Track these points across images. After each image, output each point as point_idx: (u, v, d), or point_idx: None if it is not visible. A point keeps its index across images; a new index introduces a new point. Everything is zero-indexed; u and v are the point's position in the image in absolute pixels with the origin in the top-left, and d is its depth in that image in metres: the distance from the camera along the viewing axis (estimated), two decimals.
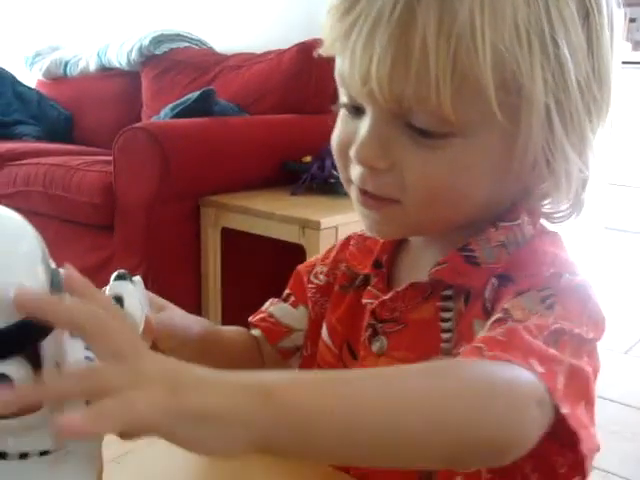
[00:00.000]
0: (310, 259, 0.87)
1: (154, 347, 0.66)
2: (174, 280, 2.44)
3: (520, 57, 0.56)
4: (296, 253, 2.24)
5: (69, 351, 0.45)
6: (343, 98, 0.66)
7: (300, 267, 0.86)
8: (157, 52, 3.38)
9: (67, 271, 0.45)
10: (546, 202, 0.68)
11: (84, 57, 3.74)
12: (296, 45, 2.90)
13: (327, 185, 2.50)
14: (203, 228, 2.45)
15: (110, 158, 2.45)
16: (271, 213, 2.26)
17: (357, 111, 0.64)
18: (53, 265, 0.47)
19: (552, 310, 0.57)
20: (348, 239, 0.82)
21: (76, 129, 3.70)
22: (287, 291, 0.86)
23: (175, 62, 3.33)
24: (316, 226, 2.14)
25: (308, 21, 3.18)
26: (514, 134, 0.59)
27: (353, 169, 0.65)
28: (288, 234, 2.22)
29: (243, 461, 0.67)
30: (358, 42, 0.58)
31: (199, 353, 0.74)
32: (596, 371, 0.58)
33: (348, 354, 0.75)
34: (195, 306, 2.50)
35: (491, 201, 0.65)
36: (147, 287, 2.42)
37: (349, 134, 0.65)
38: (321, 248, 2.12)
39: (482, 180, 0.62)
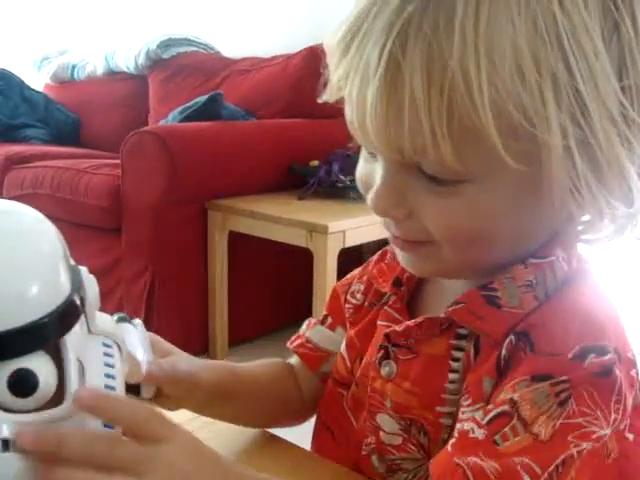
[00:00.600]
0: (347, 276, 0.82)
1: (159, 393, 0.64)
2: (181, 283, 2.44)
3: (527, 101, 0.49)
4: (303, 257, 2.24)
5: (89, 351, 0.47)
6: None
7: (337, 286, 0.81)
8: (165, 56, 3.38)
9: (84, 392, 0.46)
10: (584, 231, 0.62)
11: (91, 61, 3.75)
12: (303, 49, 2.91)
13: (334, 189, 2.50)
14: (210, 231, 2.44)
15: (117, 161, 2.46)
16: (278, 217, 2.26)
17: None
18: (72, 262, 0.47)
19: (564, 407, 0.53)
20: (384, 253, 0.76)
21: (83, 133, 3.71)
22: (324, 312, 0.81)
23: (183, 66, 3.34)
24: (324, 230, 2.13)
25: (315, 26, 3.18)
26: (533, 176, 0.53)
27: None
28: (295, 238, 2.22)
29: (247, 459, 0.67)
30: (352, 94, 0.54)
31: (212, 400, 0.71)
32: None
33: (359, 368, 0.72)
34: (201, 309, 2.50)
35: (521, 240, 0.60)
36: (154, 291, 2.44)
37: (368, 175, 0.61)
38: (329, 252, 2.12)
39: (505, 222, 0.57)
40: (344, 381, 0.74)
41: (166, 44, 3.39)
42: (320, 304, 2.17)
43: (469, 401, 0.58)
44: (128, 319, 0.61)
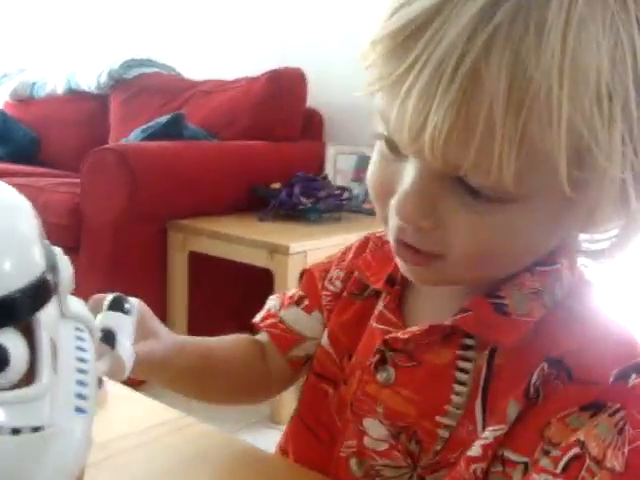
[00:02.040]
0: (325, 259, 0.79)
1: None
2: None
3: (600, 129, 0.47)
4: (264, 278, 2.23)
5: (62, 334, 0.45)
6: (383, 131, 0.57)
7: (313, 268, 0.78)
8: (127, 76, 3.37)
9: None
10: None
11: (52, 80, 3.72)
12: (267, 73, 2.92)
13: (295, 212, 2.51)
14: (170, 252, 2.43)
15: (77, 180, 2.44)
16: (240, 237, 2.26)
17: (397, 149, 0.55)
18: (47, 242, 0.47)
19: (623, 434, 0.52)
20: (366, 240, 0.74)
21: (42, 151, 3.67)
22: (299, 292, 0.78)
23: (145, 87, 3.33)
24: (285, 251, 2.13)
25: (279, 49, 3.21)
26: (579, 201, 0.52)
27: (391, 217, 0.57)
28: (257, 258, 2.22)
29: (228, 470, 0.66)
30: (411, 96, 0.49)
31: (180, 381, 0.72)
32: None
33: (348, 365, 0.70)
34: None
35: (537, 256, 0.59)
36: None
37: (389, 176, 0.57)
38: (290, 273, 2.12)
39: (532, 242, 0.56)
40: (330, 377, 0.71)
41: (128, 64, 3.38)
42: None
43: (492, 421, 0.57)
44: (122, 302, 0.60)
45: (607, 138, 0.48)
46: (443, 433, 0.60)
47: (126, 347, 0.57)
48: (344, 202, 2.63)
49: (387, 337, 0.65)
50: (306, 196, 2.52)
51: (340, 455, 0.67)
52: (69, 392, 0.43)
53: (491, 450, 0.56)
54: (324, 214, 2.54)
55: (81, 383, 0.45)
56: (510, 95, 0.46)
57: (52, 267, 0.44)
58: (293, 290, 0.80)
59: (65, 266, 0.46)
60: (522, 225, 0.53)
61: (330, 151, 2.93)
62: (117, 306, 0.59)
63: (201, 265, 2.46)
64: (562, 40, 0.46)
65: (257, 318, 0.79)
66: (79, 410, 0.43)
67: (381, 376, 0.65)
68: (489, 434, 0.57)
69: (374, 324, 0.68)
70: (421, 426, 0.62)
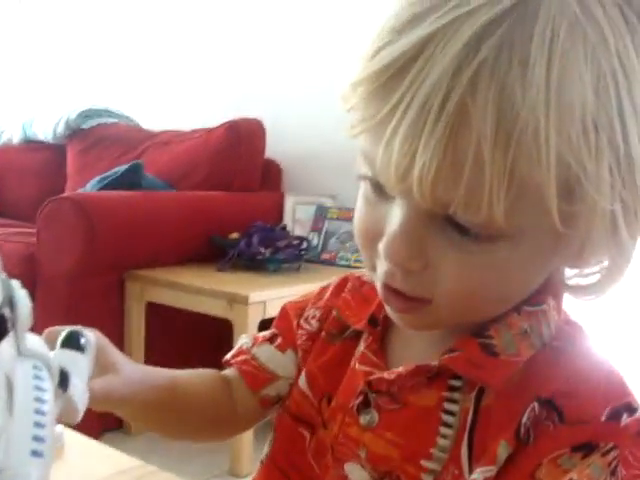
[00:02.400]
0: (300, 297, 0.77)
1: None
2: None
3: (587, 161, 0.47)
4: (223, 329, 2.21)
5: (19, 373, 0.44)
6: (366, 172, 0.56)
7: (288, 306, 0.77)
8: (84, 126, 3.36)
9: None
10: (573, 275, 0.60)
11: (8, 129, 3.70)
12: (224, 123, 2.94)
13: (254, 262, 2.50)
14: (127, 302, 2.40)
15: (32, 230, 2.40)
16: (198, 287, 2.24)
17: (383, 189, 0.55)
18: (4, 275, 0.45)
19: (615, 476, 0.52)
20: (344, 280, 0.73)
21: None
22: (273, 330, 0.76)
23: (102, 137, 3.32)
24: (244, 301, 2.12)
25: (237, 100, 3.23)
26: (570, 236, 0.52)
27: (379, 263, 0.57)
28: (216, 309, 2.20)
29: None
30: (396, 136, 0.48)
31: (141, 416, 0.70)
32: None
33: (327, 408, 0.68)
34: None
35: (525, 296, 0.58)
36: None
37: (375, 221, 0.56)
38: (249, 323, 2.10)
39: (522, 281, 0.56)
40: (308, 420, 0.69)
41: (86, 114, 3.37)
42: None
43: (481, 463, 0.56)
44: (77, 338, 0.56)
45: (595, 170, 0.48)
46: (427, 478, 0.59)
47: (79, 389, 0.53)
48: (303, 252, 2.63)
49: (371, 378, 0.63)
50: (265, 246, 2.52)
51: None
52: (25, 434, 0.41)
53: None
54: (283, 264, 2.53)
55: (38, 425, 0.42)
56: (498, 131, 0.46)
57: (9, 301, 0.43)
58: (263, 333, 0.78)
59: (23, 301, 0.44)
60: (512, 263, 0.53)
61: (289, 201, 2.94)
62: (71, 343, 0.56)
63: (159, 316, 2.43)
64: (546, 74, 0.46)
65: (228, 356, 0.77)
66: (35, 454, 0.41)
67: (364, 419, 0.63)
68: (478, 475, 0.55)
69: (357, 366, 0.66)
70: (405, 471, 0.60)
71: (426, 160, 0.47)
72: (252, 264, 2.50)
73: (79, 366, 0.55)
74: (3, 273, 0.44)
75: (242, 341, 0.78)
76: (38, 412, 0.43)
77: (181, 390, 0.72)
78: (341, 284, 0.73)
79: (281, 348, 0.74)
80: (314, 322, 0.73)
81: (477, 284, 0.53)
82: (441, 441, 0.59)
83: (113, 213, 2.36)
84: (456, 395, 0.59)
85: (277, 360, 0.74)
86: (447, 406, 0.59)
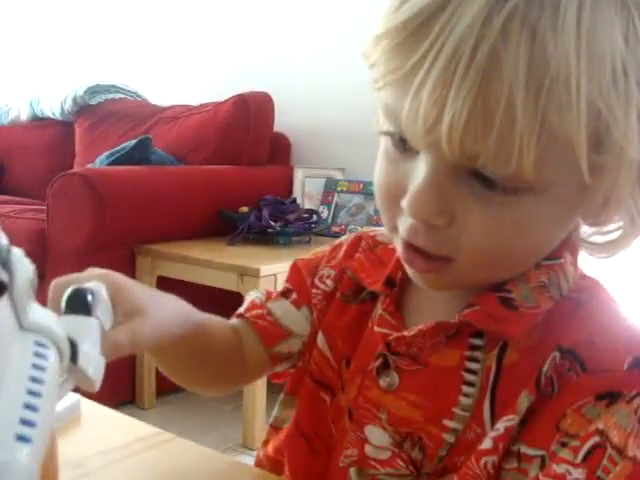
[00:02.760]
0: (311, 255, 0.76)
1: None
2: None
3: (617, 108, 0.47)
4: (234, 302, 2.21)
5: (15, 348, 0.39)
6: (388, 127, 0.55)
7: (300, 263, 0.75)
8: (92, 102, 3.35)
9: None
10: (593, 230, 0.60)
11: (15, 106, 3.69)
12: (233, 97, 2.92)
13: (264, 235, 2.50)
14: (139, 277, 2.40)
15: (42, 207, 2.40)
16: (209, 261, 2.24)
17: (406, 147, 0.54)
18: (5, 241, 0.40)
19: None
20: (358, 239, 0.72)
21: (6, 179, 3.62)
22: (287, 285, 0.75)
23: (110, 113, 3.31)
24: (255, 273, 2.12)
25: (244, 73, 3.21)
26: (595, 188, 0.51)
27: (401, 221, 0.56)
28: (226, 282, 2.20)
29: None
30: (425, 86, 0.48)
31: (159, 357, 0.69)
32: None
33: (346, 371, 0.67)
34: (128, 358, 2.43)
35: (545, 253, 0.58)
36: None
37: (398, 177, 0.55)
38: None
39: (547, 236, 0.56)
40: (328, 384, 0.69)
41: (93, 90, 3.36)
42: None
43: (503, 415, 0.56)
44: (82, 298, 0.51)
45: (624, 117, 0.47)
46: (449, 438, 0.59)
47: (91, 357, 0.49)
48: (313, 225, 2.63)
49: (390, 339, 0.63)
50: (275, 219, 2.51)
51: (339, 466, 0.64)
52: (11, 416, 0.37)
53: (502, 443, 0.55)
54: (293, 237, 2.53)
55: (30, 407, 0.38)
56: (529, 78, 0.45)
57: (4, 264, 0.38)
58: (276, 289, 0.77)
59: (23, 269, 0.40)
60: (537, 218, 0.52)
61: (298, 174, 2.93)
62: (77, 305, 0.51)
63: (170, 290, 2.42)
64: (577, 21, 0.45)
65: (241, 309, 0.75)
66: (21, 439, 0.36)
67: (384, 381, 0.63)
68: (500, 425, 0.56)
69: (375, 328, 0.66)
70: (427, 431, 0.60)
71: (457, 109, 0.46)
72: (262, 237, 2.50)
73: (88, 330, 0.50)
74: (5, 238, 0.41)
75: (253, 295, 0.76)
76: (31, 393, 0.38)
77: (207, 335, 0.70)
78: (354, 243, 0.72)
79: (296, 304, 0.73)
80: (329, 282, 0.72)
81: (501, 241, 0.53)
82: (463, 400, 0.59)
83: (122, 188, 2.35)
84: (478, 354, 0.59)
85: (292, 316, 0.72)
86: (469, 365, 0.59)
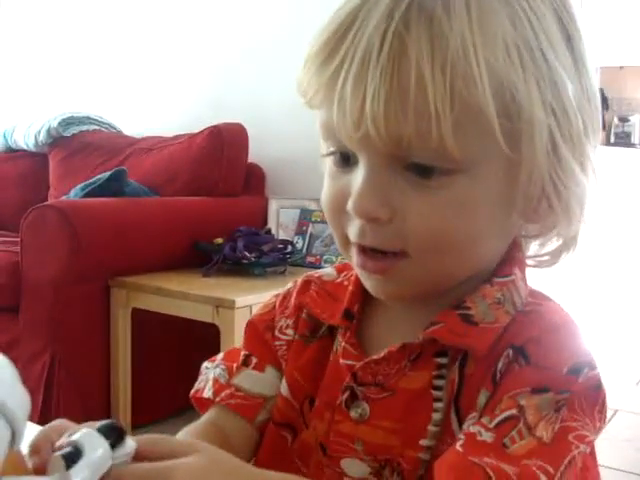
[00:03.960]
0: (261, 309, 0.76)
1: None
2: (82, 364, 2.36)
3: (516, 77, 0.53)
4: (209, 334, 2.21)
5: None
6: (329, 149, 0.62)
7: (255, 320, 0.76)
8: (66, 134, 3.34)
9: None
10: (536, 242, 0.66)
11: None
12: (207, 128, 2.93)
13: (239, 266, 2.50)
14: (113, 309, 2.39)
15: (16, 239, 2.39)
16: (184, 293, 2.24)
17: (346, 162, 0.60)
18: None
19: (559, 413, 0.56)
20: (306, 282, 0.74)
21: None
22: (244, 352, 0.74)
23: (84, 144, 3.30)
24: (231, 305, 2.12)
25: (218, 105, 3.23)
26: (517, 162, 0.56)
27: (350, 226, 0.60)
28: (202, 314, 2.20)
29: None
30: (346, 85, 0.54)
31: None
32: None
33: (308, 410, 0.69)
34: (104, 391, 2.42)
35: (494, 249, 0.63)
36: (54, 372, 2.30)
37: (341, 189, 0.60)
38: (236, 327, 2.10)
39: (487, 219, 0.59)
40: (289, 423, 0.70)
41: (67, 122, 3.35)
42: None
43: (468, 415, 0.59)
44: (121, 435, 0.48)
45: (524, 85, 0.54)
46: (424, 456, 0.61)
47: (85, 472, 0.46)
48: (288, 255, 2.64)
49: (357, 367, 0.64)
50: (250, 250, 2.52)
51: None
52: None
53: None
54: (268, 268, 2.54)
55: None
56: (434, 55, 0.52)
57: None
58: (220, 355, 0.77)
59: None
60: (473, 198, 0.57)
61: (272, 205, 2.94)
62: (110, 432, 0.48)
63: (145, 322, 2.43)
64: (466, 8, 0.53)
65: (207, 394, 0.73)
66: None
67: (355, 412, 0.64)
68: (465, 425, 0.59)
69: (340, 361, 0.67)
70: (404, 455, 0.62)
71: (375, 94, 0.52)
72: (237, 268, 2.51)
73: (97, 455, 0.47)
74: None
75: (210, 373, 0.75)
76: None
77: None
78: (304, 285, 0.74)
79: (259, 368, 0.73)
80: (290, 331, 0.73)
81: (444, 223, 0.57)
82: (435, 415, 0.61)
83: (97, 220, 2.35)
84: (443, 371, 0.62)
85: (259, 382, 0.72)
86: (436, 382, 0.62)
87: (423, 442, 0.61)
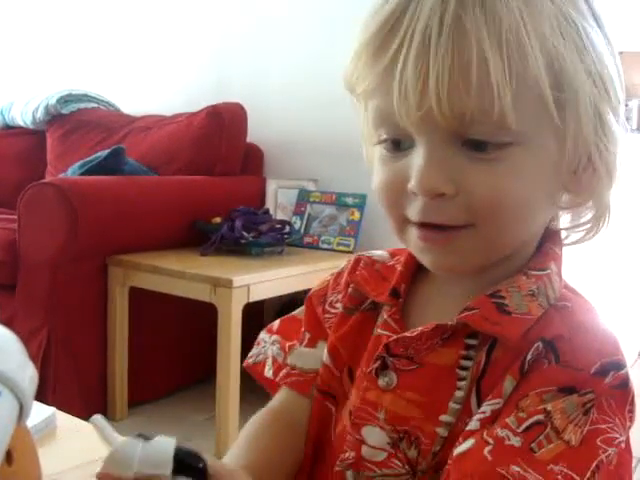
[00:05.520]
0: (320, 284, 0.81)
1: None
2: (79, 342, 2.37)
3: (562, 48, 0.57)
4: (207, 313, 2.21)
5: None
6: (381, 136, 0.63)
7: (312, 295, 0.80)
8: (64, 111, 3.33)
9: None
10: (568, 216, 0.68)
11: None
12: (206, 108, 2.92)
13: (237, 246, 2.50)
14: (110, 287, 2.39)
15: (13, 216, 2.39)
16: (182, 272, 2.24)
17: (397, 147, 0.62)
18: None
19: (588, 416, 0.57)
20: (357, 260, 0.77)
21: None
22: (302, 328, 0.79)
23: (82, 122, 3.29)
24: (228, 284, 2.12)
25: (218, 84, 3.22)
26: (565, 132, 0.59)
27: (410, 207, 0.62)
28: (199, 293, 2.20)
29: None
30: (407, 66, 0.56)
31: None
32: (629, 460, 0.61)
33: (348, 379, 0.72)
34: (101, 369, 2.43)
35: (542, 220, 0.65)
36: (50, 350, 2.31)
37: (398, 172, 0.62)
38: (233, 307, 2.11)
39: (541, 189, 0.62)
40: (331, 391, 0.73)
41: (66, 99, 3.34)
42: (225, 360, 2.14)
43: (489, 398, 0.61)
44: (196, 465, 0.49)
45: (570, 56, 0.57)
46: (442, 432, 0.63)
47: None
48: (286, 236, 2.63)
49: (390, 340, 0.67)
50: (247, 230, 2.52)
51: (335, 470, 0.67)
52: None
53: (489, 424, 0.59)
54: (266, 248, 2.53)
55: None
56: (489, 32, 0.54)
57: None
58: (276, 325, 0.83)
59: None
60: (528, 167, 0.59)
61: (271, 186, 2.94)
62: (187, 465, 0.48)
63: (142, 301, 2.43)
64: None
65: (267, 373, 0.79)
66: None
67: (382, 380, 0.67)
68: (486, 408, 0.60)
69: (379, 330, 0.70)
70: (423, 429, 0.63)
71: (439, 71, 0.55)
72: (235, 248, 2.50)
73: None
74: None
75: (269, 350, 0.81)
76: None
77: (278, 464, 0.73)
78: (355, 264, 0.77)
79: (311, 344, 0.78)
80: (338, 305, 0.76)
81: (507, 191, 0.59)
82: (457, 393, 0.63)
83: (95, 198, 2.35)
84: (471, 352, 0.64)
85: (312, 357, 0.76)
86: (463, 362, 0.64)
87: (443, 418, 0.63)
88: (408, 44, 0.56)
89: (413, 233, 0.63)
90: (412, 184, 0.59)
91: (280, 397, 0.78)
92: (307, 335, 0.78)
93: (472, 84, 0.55)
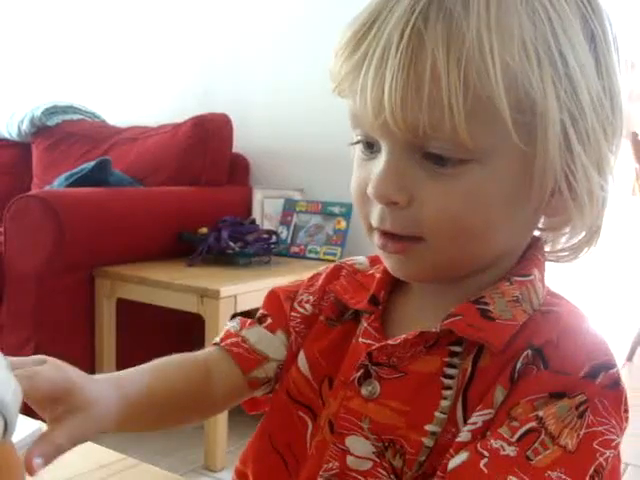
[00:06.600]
0: (289, 283, 0.81)
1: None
2: (66, 355, 2.34)
3: (531, 74, 0.56)
4: (194, 324, 2.22)
5: None
6: (357, 137, 0.65)
7: (278, 290, 0.80)
8: (49, 123, 3.33)
9: None
10: (561, 240, 0.68)
11: None
12: (191, 119, 2.92)
13: (223, 256, 2.51)
14: (98, 299, 2.39)
15: None
16: (168, 283, 2.24)
17: (371, 149, 0.63)
18: None
19: (583, 419, 0.57)
20: (338, 268, 0.77)
21: None
22: (262, 311, 0.78)
23: (68, 134, 3.28)
24: (215, 295, 2.13)
25: (203, 95, 3.22)
26: (531, 156, 0.58)
27: (372, 212, 0.63)
28: (187, 304, 2.20)
29: None
30: (368, 74, 0.57)
31: (133, 428, 0.71)
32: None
33: (327, 390, 0.70)
34: None
35: (511, 240, 0.64)
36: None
37: (366, 174, 0.63)
38: (220, 317, 2.11)
39: (501, 210, 0.61)
40: (307, 403, 0.71)
41: (51, 111, 3.34)
42: None
43: (478, 409, 0.60)
44: None
45: (539, 80, 0.56)
46: (428, 442, 0.62)
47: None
48: (272, 246, 2.64)
49: (373, 348, 0.66)
50: (234, 240, 2.53)
51: None
52: None
53: (480, 435, 0.59)
54: (253, 258, 2.54)
55: None
56: (449, 49, 0.54)
57: None
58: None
59: None
60: (486, 188, 0.59)
61: (257, 195, 2.94)
62: None
63: (130, 312, 2.43)
64: (486, 8, 0.55)
65: (216, 339, 0.77)
66: None
67: (366, 390, 0.66)
68: (477, 418, 0.60)
69: (360, 339, 0.69)
70: (408, 438, 0.63)
71: (393, 84, 0.56)
72: (222, 258, 2.51)
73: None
74: None
75: (229, 324, 0.79)
76: None
77: (163, 387, 0.72)
78: (335, 271, 0.77)
79: (271, 329, 0.76)
80: (308, 306, 0.76)
81: (459, 212, 0.59)
82: (443, 402, 0.62)
83: (81, 210, 2.35)
84: (456, 360, 0.63)
85: (267, 341, 0.75)
86: (448, 370, 0.63)
87: (428, 427, 0.62)
88: (372, 52, 0.57)
89: (376, 240, 0.64)
90: (369, 189, 0.61)
91: (211, 352, 0.76)
92: (268, 319, 0.77)
93: (424, 99, 0.55)
